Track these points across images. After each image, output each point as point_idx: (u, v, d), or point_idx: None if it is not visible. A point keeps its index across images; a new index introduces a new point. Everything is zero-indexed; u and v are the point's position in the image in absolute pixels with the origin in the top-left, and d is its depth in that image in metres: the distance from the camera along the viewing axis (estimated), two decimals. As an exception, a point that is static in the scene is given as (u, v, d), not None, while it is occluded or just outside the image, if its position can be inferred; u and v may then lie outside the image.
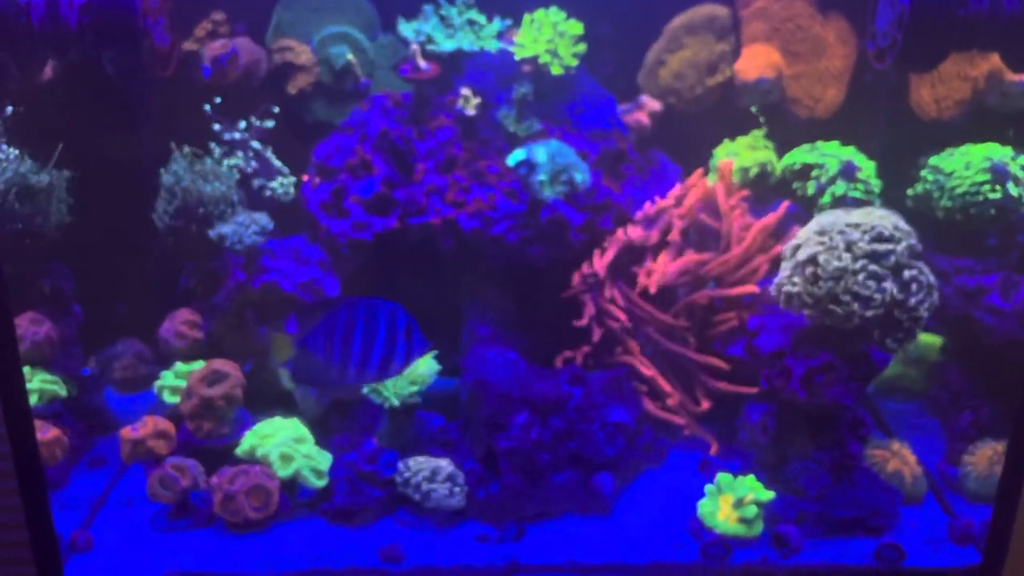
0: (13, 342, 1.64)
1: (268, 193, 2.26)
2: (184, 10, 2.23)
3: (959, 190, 2.20)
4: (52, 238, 2.19)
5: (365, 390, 2.07)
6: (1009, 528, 1.81)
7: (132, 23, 1.89)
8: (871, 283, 1.80)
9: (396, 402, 2.05)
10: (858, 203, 2.25)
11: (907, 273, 1.82)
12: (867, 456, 2.07)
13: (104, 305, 2.48)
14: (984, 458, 2.07)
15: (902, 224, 1.85)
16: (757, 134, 2.39)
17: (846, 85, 2.45)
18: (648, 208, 2.20)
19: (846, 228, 1.83)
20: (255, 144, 2.26)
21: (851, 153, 2.32)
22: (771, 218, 2.16)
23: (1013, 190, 2.17)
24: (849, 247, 1.81)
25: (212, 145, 2.25)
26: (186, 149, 2.21)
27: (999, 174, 2.17)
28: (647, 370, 2.16)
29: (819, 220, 1.90)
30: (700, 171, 2.24)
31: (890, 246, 1.81)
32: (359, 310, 1.70)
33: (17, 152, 2.10)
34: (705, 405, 2.19)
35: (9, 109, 2.10)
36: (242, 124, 2.25)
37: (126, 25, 1.90)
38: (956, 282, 2.20)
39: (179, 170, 2.17)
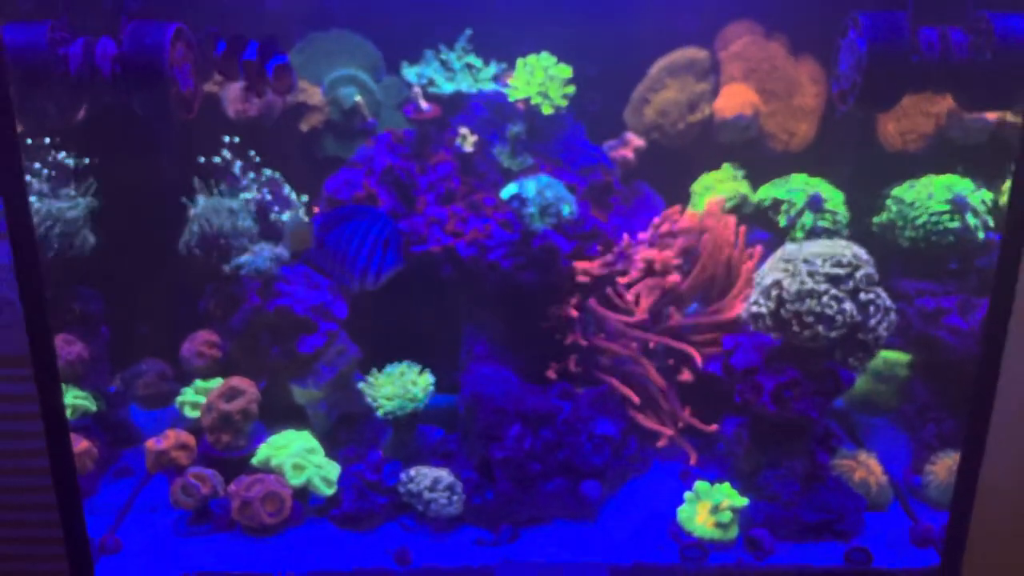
0: (54, 366, 1.79)
1: (282, 223, 2.41)
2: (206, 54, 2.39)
3: (920, 220, 2.36)
4: (83, 264, 2.35)
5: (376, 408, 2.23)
6: (965, 531, 1.94)
7: (160, 72, 2.05)
8: (832, 305, 1.96)
9: (395, 411, 2.20)
10: (828, 232, 2.41)
11: (864, 296, 1.98)
12: (835, 466, 2.22)
13: (129, 326, 2.62)
14: (944, 467, 2.21)
15: (861, 253, 2.01)
16: (727, 168, 2.55)
17: (818, 120, 2.61)
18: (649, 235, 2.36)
19: (808, 256, 2.00)
20: (270, 174, 2.41)
21: (819, 184, 2.48)
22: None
23: (971, 220, 2.33)
24: (811, 273, 1.97)
25: (234, 175, 2.39)
26: (208, 184, 2.36)
27: (959, 205, 2.34)
28: (628, 391, 2.31)
29: (784, 248, 2.06)
30: (677, 208, 2.40)
31: (849, 271, 1.97)
32: (362, 221, 2.01)
33: (51, 186, 2.28)
34: (683, 421, 2.33)
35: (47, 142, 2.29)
36: (256, 159, 2.41)
37: (155, 73, 2.05)
38: (918, 304, 2.36)
39: (202, 204, 2.32)
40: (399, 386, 2.22)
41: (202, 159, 2.35)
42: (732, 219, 2.35)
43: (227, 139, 2.36)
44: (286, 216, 2.34)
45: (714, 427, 2.29)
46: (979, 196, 2.36)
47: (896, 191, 2.44)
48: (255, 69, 2.07)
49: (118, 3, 2.15)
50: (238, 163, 2.36)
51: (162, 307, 2.66)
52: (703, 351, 2.31)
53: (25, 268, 1.70)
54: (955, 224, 2.33)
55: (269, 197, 2.36)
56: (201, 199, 2.33)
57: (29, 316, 1.74)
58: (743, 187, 2.50)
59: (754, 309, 2.03)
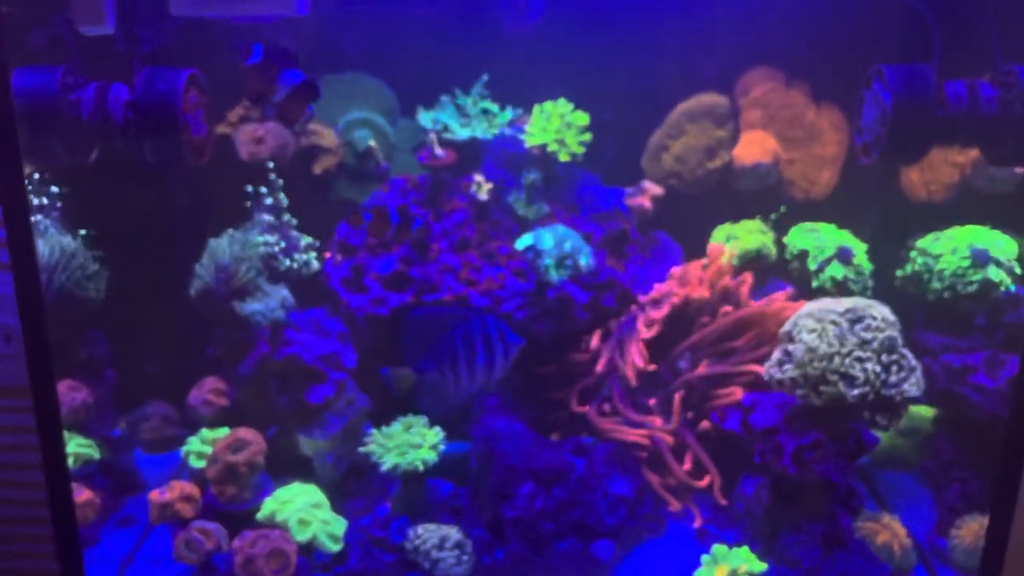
0: (57, 417, 1.76)
1: (287, 267, 2.37)
2: (218, 95, 2.37)
3: (945, 273, 2.30)
4: (89, 309, 2.33)
5: (375, 459, 2.18)
6: (993, 601, 1.88)
7: (172, 119, 2.03)
8: (856, 365, 1.91)
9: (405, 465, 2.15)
10: (852, 283, 2.36)
11: (887, 357, 1.92)
12: (858, 528, 2.15)
13: (136, 367, 2.59)
14: (971, 532, 2.14)
15: (887, 313, 1.96)
16: (758, 222, 2.51)
17: (840, 168, 2.57)
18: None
19: (834, 315, 1.94)
20: (285, 219, 2.39)
21: (846, 237, 2.43)
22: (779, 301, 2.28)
23: (994, 274, 2.27)
24: (837, 333, 1.91)
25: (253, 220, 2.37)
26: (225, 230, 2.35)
27: (980, 258, 2.28)
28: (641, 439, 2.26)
29: (809, 306, 2.01)
30: (702, 262, 2.36)
31: (875, 334, 1.91)
32: (457, 330, 1.89)
33: (57, 232, 2.27)
34: (706, 481, 2.27)
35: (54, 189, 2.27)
36: (268, 201, 2.38)
37: (167, 120, 2.03)
38: (943, 360, 2.29)
39: (215, 248, 2.29)
40: (406, 444, 2.17)
41: (218, 201, 2.33)
42: (746, 274, 2.31)
43: (252, 188, 2.35)
44: (290, 261, 2.30)
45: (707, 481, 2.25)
46: (1004, 248, 2.30)
47: (920, 242, 2.38)
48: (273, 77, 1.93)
49: (131, 48, 2.13)
50: (266, 207, 2.32)
51: (169, 349, 2.62)
52: (719, 404, 2.26)
53: (30, 304, 1.67)
54: (978, 277, 2.27)
55: (284, 243, 2.33)
56: (213, 242, 2.30)
57: (32, 361, 1.72)
58: (767, 239, 2.44)
59: (777, 371, 1.98)
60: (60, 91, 2.02)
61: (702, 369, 2.28)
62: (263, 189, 2.34)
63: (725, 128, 2.55)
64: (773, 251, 2.45)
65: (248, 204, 2.36)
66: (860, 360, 1.91)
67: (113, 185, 2.39)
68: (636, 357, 2.20)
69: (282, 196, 2.37)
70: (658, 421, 2.28)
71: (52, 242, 2.23)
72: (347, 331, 2.35)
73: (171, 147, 2.06)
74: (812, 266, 2.38)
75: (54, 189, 2.29)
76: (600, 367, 2.24)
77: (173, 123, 2.03)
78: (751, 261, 2.40)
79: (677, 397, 2.24)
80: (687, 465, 2.24)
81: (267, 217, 2.35)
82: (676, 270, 2.32)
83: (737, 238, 2.40)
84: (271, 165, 2.37)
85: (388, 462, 2.15)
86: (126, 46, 2.13)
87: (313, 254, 2.40)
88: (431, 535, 2.06)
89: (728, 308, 2.26)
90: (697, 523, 2.25)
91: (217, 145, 2.39)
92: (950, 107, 2.03)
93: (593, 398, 2.30)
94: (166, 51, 2.35)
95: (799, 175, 2.57)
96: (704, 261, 2.34)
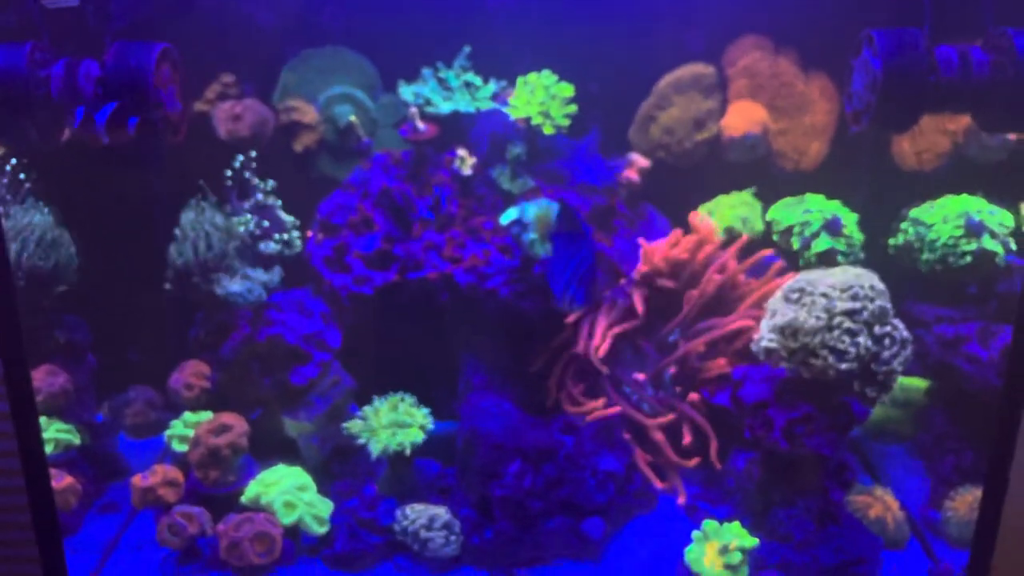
0: (31, 399, 1.71)
1: (270, 248, 2.33)
2: (195, 72, 2.32)
3: (938, 243, 2.27)
4: (65, 289, 2.28)
5: (362, 440, 2.15)
6: (986, 573, 1.86)
7: (145, 94, 1.97)
8: (846, 338, 1.87)
9: (393, 447, 2.12)
10: (842, 255, 2.33)
11: (879, 329, 1.89)
12: (850, 502, 2.13)
13: (117, 351, 2.55)
14: (965, 504, 2.12)
15: (877, 283, 1.92)
16: (746, 194, 2.46)
17: (830, 138, 2.53)
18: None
19: (822, 286, 1.91)
20: (263, 199, 2.34)
21: (836, 207, 2.39)
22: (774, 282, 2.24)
23: (988, 243, 2.24)
24: (825, 305, 1.88)
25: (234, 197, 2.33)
26: (194, 202, 2.29)
27: (974, 228, 2.24)
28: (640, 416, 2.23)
29: (797, 279, 1.97)
30: (679, 231, 2.32)
31: (864, 304, 1.88)
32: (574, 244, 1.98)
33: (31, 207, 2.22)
34: (694, 461, 2.24)
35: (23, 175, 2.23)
36: (260, 184, 2.33)
37: (139, 96, 1.98)
38: (936, 331, 2.27)
39: (190, 223, 2.24)
40: (393, 423, 2.13)
41: (201, 181, 2.28)
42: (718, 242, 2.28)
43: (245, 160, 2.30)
44: (271, 244, 2.27)
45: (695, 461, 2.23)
46: (997, 217, 2.27)
47: (914, 212, 2.35)
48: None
49: (102, 24, 2.07)
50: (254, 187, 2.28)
51: (151, 332, 2.58)
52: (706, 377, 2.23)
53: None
54: (972, 247, 2.24)
55: (266, 223, 2.28)
56: (185, 217, 2.25)
57: (3, 344, 1.67)
58: (750, 212, 2.40)
59: (766, 343, 1.94)
60: (28, 68, 1.97)
61: (692, 344, 2.25)
62: (237, 164, 2.29)
63: (713, 99, 2.50)
64: (760, 225, 2.41)
65: (228, 184, 2.31)
66: (850, 332, 1.87)
67: (87, 165, 2.33)
68: (597, 340, 2.18)
69: (258, 181, 2.32)
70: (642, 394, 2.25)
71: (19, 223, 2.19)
72: (330, 311, 2.31)
73: (144, 124, 2.00)
74: (796, 244, 2.35)
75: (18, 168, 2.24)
76: (580, 346, 2.20)
77: (145, 99, 1.97)
78: (736, 234, 2.36)
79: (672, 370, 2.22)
80: (687, 438, 2.21)
81: (247, 196, 2.30)
82: (645, 245, 2.28)
83: (721, 211, 2.37)
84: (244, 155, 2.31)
85: (376, 447, 2.11)
86: (97, 20, 2.07)
87: (296, 233, 2.35)
88: (419, 515, 2.03)
89: (716, 277, 2.22)
90: (681, 500, 2.23)
91: (194, 123, 2.34)
92: (941, 73, 1.98)
93: (576, 375, 2.27)
94: (140, 27, 2.29)
95: (789, 145, 2.52)
96: (673, 239, 2.29)
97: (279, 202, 2.37)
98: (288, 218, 2.38)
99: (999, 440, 1.76)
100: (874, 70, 1.99)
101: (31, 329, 2.23)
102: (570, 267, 1.95)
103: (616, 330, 2.23)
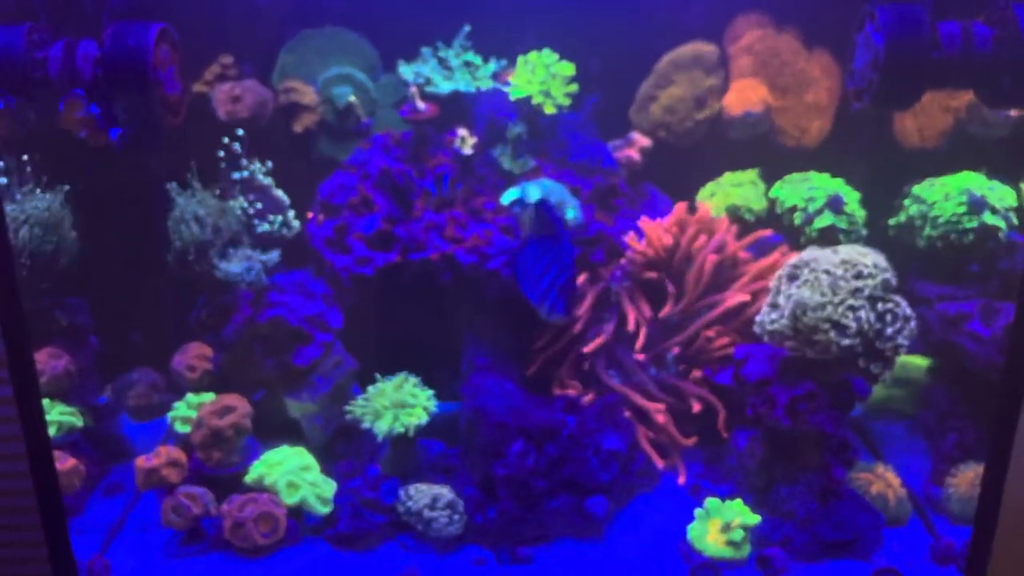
0: (35, 382, 1.72)
1: (265, 230, 2.31)
2: (194, 53, 2.31)
3: (940, 220, 2.26)
4: (66, 271, 2.27)
5: (366, 424, 2.15)
6: (988, 549, 1.86)
7: (143, 75, 1.97)
8: (848, 315, 1.87)
9: (398, 429, 2.12)
10: (844, 233, 2.32)
11: (882, 306, 1.89)
12: (852, 479, 2.13)
13: (120, 334, 2.55)
14: (966, 480, 2.13)
15: (880, 260, 1.92)
16: (751, 173, 2.45)
17: (832, 116, 2.52)
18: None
19: (825, 264, 1.90)
20: (261, 180, 2.33)
21: (839, 185, 2.38)
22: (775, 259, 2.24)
23: (990, 219, 2.23)
24: (829, 282, 1.88)
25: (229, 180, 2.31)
26: (191, 185, 2.27)
27: (975, 204, 2.24)
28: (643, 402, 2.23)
29: (800, 256, 1.97)
30: (683, 205, 2.31)
31: (867, 281, 1.88)
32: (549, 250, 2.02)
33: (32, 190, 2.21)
34: (693, 439, 2.25)
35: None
36: (256, 166, 2.32)
37: (138, 76, 1.97)
38: (939, 308, 2.26)
39: (184, 206, 2.22)
40: (396, 403, 2.13)
41: (198, 162, 2.27)
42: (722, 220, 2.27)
43: (232, 139, 2.27)
44: (266, 225, 2.25)
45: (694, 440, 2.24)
46: (998, 194, 2.26)
47: (916, 189, 2.34)
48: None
49: (100, 4, 2.06)
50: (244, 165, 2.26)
51: (154, 314, 2.58)
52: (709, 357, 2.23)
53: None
54: (974, 224, 2.23)
55: (260, 204, 2.27)
56: (182, 199, 2.24)
57: (6, 328, 1.67)
58: (751, 192, 2.39)
59: (770, 323, 1.94)
60: (26, 49, 1.96)
61: (699, 323, 2.25)
62: (237, 146, 2.27)
63: (714, 77, 2.49)
64: (763, 203, 2.40)
65: (223, 165, 2.30)
66: (853, 309, 1.87)
67: (88, 147, 2.32)
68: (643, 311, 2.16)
69: (245, 162, 2.31)
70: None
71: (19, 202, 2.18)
72: (332, 292, 2.30)
73: (143, 105, 2.00)
74: (798, 221, 2.34)
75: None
76: (578, 327, 2.20)
77: (144, 79, 1.96)
78: (737, 214, 2.35)
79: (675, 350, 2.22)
80: (697, 406, 2.21)
81: (243, 175, 2.28)
82: (642, 225, 2.27)
83: (725, 190, 2.36)
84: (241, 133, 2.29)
85: (380, 430, 2.11)
86: (94, 1, 2.06)
87: (292, 213, 2.33)
88: (422, 495, 2.04)
89: (712, 257, 2.22)
90: (681, 480, 2.24)
91: (194, 104, 2.33)
92: (944, 49, 1.97)
93: (578, 357, 2.27)
94: (139, 7, 2.27)
95: (790, 123, 2.51)
96: (673, 218, 2.29)
97: (272, 182, 2.35)
98: (284, 198, 2.36)
99: (1001, 417, 1.76)
100: (876, 46, 1.98)
101: (33, 312, 2.23)
102: (548, 276, 1.93)
103: (647, 317, 2.22)
